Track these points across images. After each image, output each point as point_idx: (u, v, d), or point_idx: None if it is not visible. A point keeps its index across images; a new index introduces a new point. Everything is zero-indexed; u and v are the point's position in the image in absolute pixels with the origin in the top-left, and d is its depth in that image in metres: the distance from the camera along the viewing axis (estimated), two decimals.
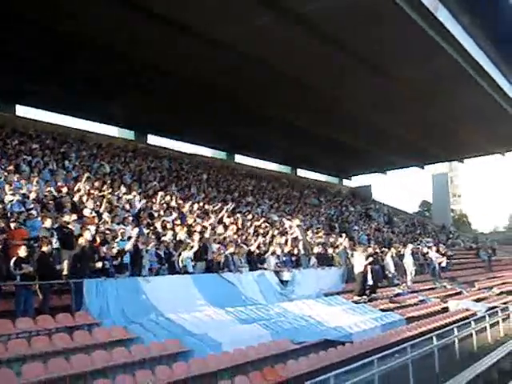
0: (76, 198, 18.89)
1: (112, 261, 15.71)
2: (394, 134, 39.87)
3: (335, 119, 35.60)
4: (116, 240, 16.67)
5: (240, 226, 25.13)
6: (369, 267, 23.34)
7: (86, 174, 21.24)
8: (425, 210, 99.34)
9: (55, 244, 15.06)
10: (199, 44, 24.02)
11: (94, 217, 17.74)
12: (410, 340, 15.52)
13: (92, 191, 20.62)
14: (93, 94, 29.12)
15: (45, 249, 14.01)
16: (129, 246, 16.62)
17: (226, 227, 23.72)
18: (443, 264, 34.63)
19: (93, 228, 16.47)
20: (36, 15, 21.31)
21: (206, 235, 20.56)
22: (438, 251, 35.91)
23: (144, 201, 22.32)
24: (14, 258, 13.19)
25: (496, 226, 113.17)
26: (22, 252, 13.35)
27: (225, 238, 21.78)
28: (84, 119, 34.49)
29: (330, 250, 26.74)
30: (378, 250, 28.62)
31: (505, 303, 26.60)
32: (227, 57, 25.23)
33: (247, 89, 29.95)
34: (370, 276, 23.44)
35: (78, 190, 19.59)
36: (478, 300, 28.05)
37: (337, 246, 27.91)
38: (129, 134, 38.09)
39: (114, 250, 16.04)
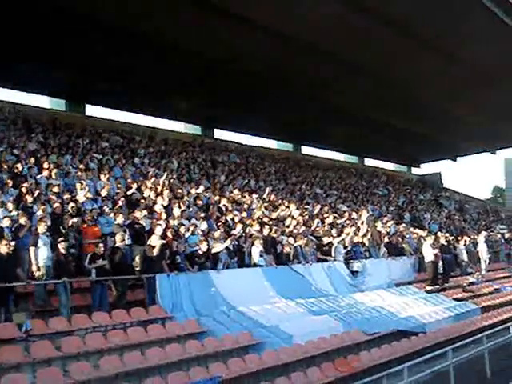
0: (146, 194, 19.27)
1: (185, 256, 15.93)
2: (463, 119, 38.85)
3: (402, 107, 34.96)
4: (186, 235, 16.92)
5: (308, 218, 25.03)
6: (440, 256, 22.89)
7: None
8: (497, 197, 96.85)
9: (127, 240, 15.39)
10: (261, 36, 24.10)
11: (161, 213, 17.99)
12: (486, 330, 15.22)
13: (160, 187, 20.94)
14: (159, 92, 29.55)
15: (119, 244, 14.38)
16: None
17: (294, 219, 23.66)
18: None
19: (163, 223, 16.73)
20: (105, 16, 21.92)
21: (275, 228, 20.59)
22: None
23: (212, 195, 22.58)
24: (90, 254, 13.57)
25: None
26: (98, 249, 13.74)
27: (293, 230, 21.78)
28: (151, 116, 35.05)
29: (401, 240, 26.29)
30: (449, 239, 28.01)
31: None
32: (293, 48, 25.18)
33: (311, 79, 29.69)
34: (440, 264, 23.01)
35: (151, 188, 20.05)
36: None
37: (404, 237, 27.41)
38: (195, 129, 38.48)
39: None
